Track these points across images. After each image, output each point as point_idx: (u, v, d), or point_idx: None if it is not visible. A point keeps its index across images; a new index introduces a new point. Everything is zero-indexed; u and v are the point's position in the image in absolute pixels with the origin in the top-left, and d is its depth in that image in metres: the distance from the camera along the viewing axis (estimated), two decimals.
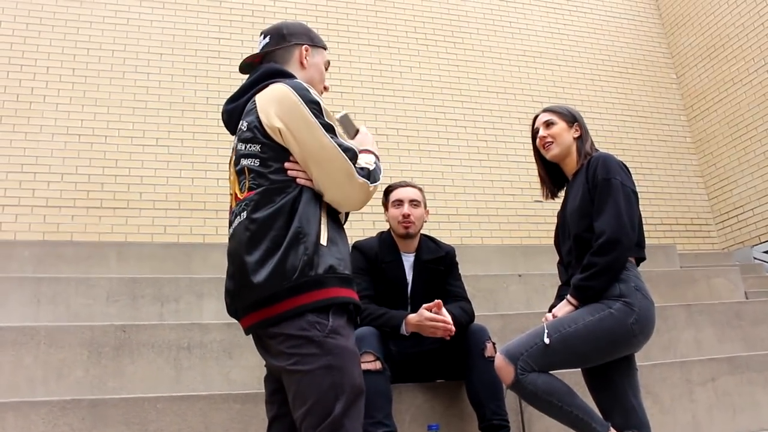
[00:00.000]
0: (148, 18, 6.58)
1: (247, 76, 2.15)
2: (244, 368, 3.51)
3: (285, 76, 2.05)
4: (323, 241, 1.88)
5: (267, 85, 2.02)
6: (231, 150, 2.10)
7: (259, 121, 1.94)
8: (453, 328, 2.83)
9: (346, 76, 7.00)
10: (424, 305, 2.85)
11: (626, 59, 8.40)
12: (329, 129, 1.94)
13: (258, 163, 1.93)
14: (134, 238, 5.76)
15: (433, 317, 2.81)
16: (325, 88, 2.24)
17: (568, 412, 2.35)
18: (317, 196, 1.94)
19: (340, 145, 1.93)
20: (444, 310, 2.86)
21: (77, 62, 6.20)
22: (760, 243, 7.17)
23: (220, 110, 2.16)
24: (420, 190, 3.21)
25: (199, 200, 6.08)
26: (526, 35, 8.03)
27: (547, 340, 2.36)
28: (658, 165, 7.95)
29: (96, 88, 6.17)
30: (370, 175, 1.97)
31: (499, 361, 2.40)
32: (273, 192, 1.89)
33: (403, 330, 2.87)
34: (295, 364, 1.81)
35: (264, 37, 2.19)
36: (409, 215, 3.06)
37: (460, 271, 3.28)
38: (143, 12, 6.58)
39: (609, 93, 8.11)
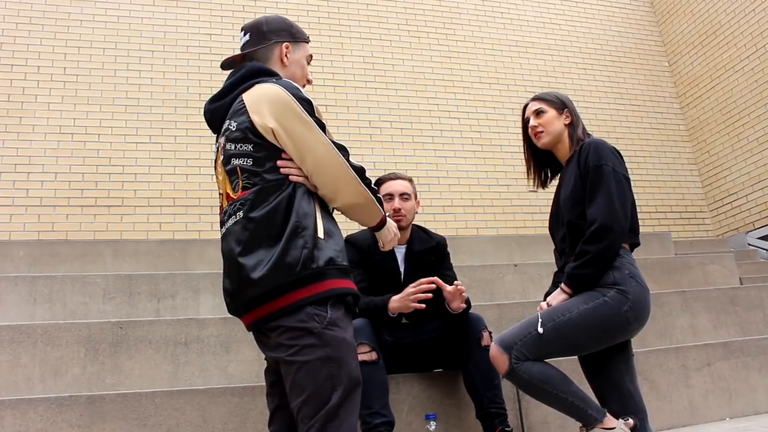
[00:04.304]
0: (138, 15, 6.55)
1: (229, 72, 2.15)
2: (242, 362, 3.52)
3: (269, 74, 2.06)
4: (320, 234, 1.90)
5: (253, 84, 2.02)
6: (216, 149, 2.10)
7: (251, 121, 1.94)
8: (463, 290, 2.82)
9: (339, 69, 7.00)
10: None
11: (619, 48, 8.41)
12: (322, 127, 1.96)
13: (251, 162, 1.94)
14: (129, 236, 5.75)
15: (418, 282, 2.78)
16: (308, 81, 2.24)
17: (564, 399, 2.36)
18: (310, 192, 1.96)
19: (333, 142, 1.97)
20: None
21: (68, 61, 6.18)
22: (755, 229, 7.19)
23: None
24: (410, 181, 3.20)
25: (194, 196, 6.08)
26: (518, 25, 8.03)
27: (540, 330, 2.35)
28: (651, 153, 7.97)
29: (88, 87, 6.16)
30: (362, 173, 2.01)
31: (494, 350, 2.41)
32: (268, 190, 1.91)
33: (389, 312, 2.85)
34: (293, 355, 1.83)
35: (245, 34, 2.18)
36: (399, 209, 3.06)
37: (451, 261, 3.28)
38: (134, 9, 6.56)
39: (602, 82, 8.12)
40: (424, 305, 2.78)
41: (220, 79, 2.15)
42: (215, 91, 2.13)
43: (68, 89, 6.09)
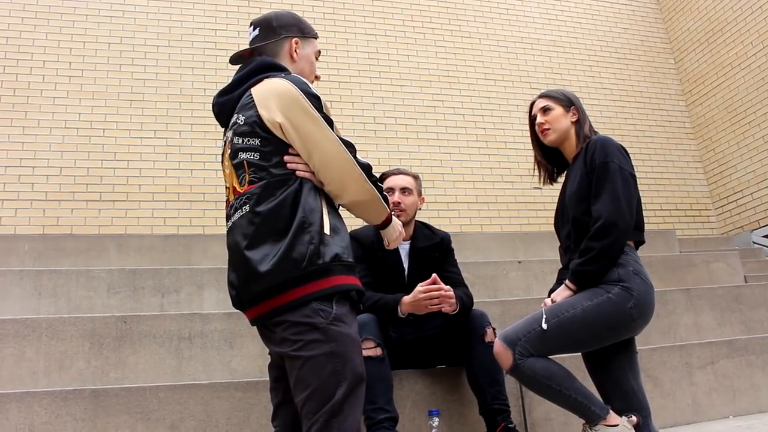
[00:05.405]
0: (144, 10, 6.56)
1: (237, 67, 2.16)
2: (245, 357, 3.53)
3: (278, 69, 2.06)
4: (327, 230, 1.90)
5: (262, 79, 2.02)
6: (224, 143, 2.10)
7: (259, 116, 1.94)
8: (452, 294, 2.83)
9: (344, 65, 6.99)
10: (419, 284, 2.86)
11: (624, 45, 8.38)
12: (329, 123, 1.96)
13: (258, 157, 1.93)
14: (134, 230, 5.76)
15: (426, 288, 2.82)
16: (317, 77, 2.24)
17: (567, 395, 2.35)
18: (317, 188, 1.96)
19: (341, 139, 1.96)
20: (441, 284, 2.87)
21: (73, 55, 6.19)
22: (760, 227, 7.17)
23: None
24: (414, 177, 3.19)
25: (198, 191, 6.09)
26: (524, 22, 8.01)
27: (544, 326, 2.36)
28: (656, 150, 7.94)
29: (93, 81, 6.16)
30: (369, 170, 2.00)
31: (498, 346, 2.41)
32: (274, 185, 1.91)
33: (400, 312, 2.87)
34: (298, 350, 1.82)
35: (254, 29, 2.18)
36: (399, 203, 3.06)
37: (456, 258, 3.28)
38: (139, 4, 6.56)
39: (607, 79, 8.09)
40: (437, 307, 2.82)
41: (225, 74, 2.15)
42: (220, 86, 2.13)
43: (73, 84, 6.10)
